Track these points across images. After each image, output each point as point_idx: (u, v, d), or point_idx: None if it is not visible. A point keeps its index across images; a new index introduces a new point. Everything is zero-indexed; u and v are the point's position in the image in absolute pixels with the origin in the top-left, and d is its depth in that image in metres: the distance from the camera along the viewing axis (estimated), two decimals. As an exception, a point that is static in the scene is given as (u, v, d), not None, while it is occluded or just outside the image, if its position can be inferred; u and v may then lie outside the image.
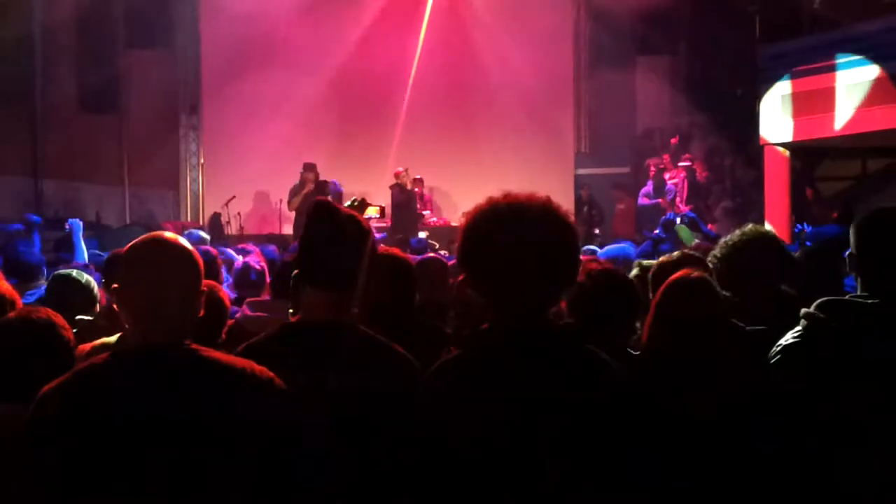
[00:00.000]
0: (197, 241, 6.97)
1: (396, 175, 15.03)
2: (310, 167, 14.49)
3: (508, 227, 2.15)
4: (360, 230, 2.58)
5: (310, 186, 14.16)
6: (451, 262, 5.46)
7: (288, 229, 14.63)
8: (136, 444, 2.07)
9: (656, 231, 6.33)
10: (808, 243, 6.15)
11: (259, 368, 2.23)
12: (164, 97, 16.80)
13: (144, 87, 16.11)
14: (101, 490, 2.06)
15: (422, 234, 12.62)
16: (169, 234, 2.29)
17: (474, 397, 2.12)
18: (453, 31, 16.85)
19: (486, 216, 2.20)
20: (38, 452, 2.11)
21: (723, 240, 3.64)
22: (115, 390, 2.12)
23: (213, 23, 16.60)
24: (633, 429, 2.15)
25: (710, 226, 12.55)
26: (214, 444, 2.11)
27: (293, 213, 14.20)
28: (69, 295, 4.26)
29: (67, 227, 6.19)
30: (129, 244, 2.26)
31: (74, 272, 4.47)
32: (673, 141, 15.39)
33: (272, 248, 7.23)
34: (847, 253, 2.44)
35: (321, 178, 14.51)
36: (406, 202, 14.84)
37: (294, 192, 14.34)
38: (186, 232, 7.75)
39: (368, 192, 14.29)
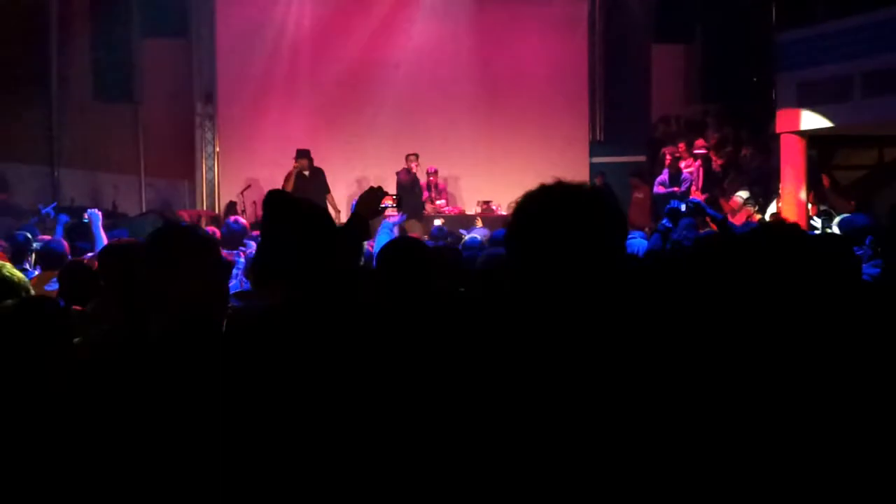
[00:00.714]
0: (241, 231, 7.04)
1: (407, 158, 15.17)
2: (303, 153, 14.60)
3: (560, 206, 2.14)
4: (315, 218, 2.59)
5: (295, 168, 14.41)
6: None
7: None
8: (160, 429, 2.09)
9: (663, 222, 6.27)
10: (832, 226, 6.12)
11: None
12: (179, 86, 16.84)
13: (160, 76, 16.15)
14: (121, 472, 2.08)
15: (437, 222, 12.63)
16: (189, 224, 2.33)
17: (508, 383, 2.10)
18: (469, 20, 16.83)
19: (537, 196, 2.18)
20: (63, 434, 2.14)
21: None
22: (143, 374, 2.15)
23: (228, 11, 16.64)
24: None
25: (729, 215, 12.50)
26: (249, 429, 2.14)
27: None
28: (79, 283, 4.28)
29: (86, 217, 6.18)
30: (153, 234, 2.28)
31: (85, 260, 4.49)
32: (681, 146, 15.34)
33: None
34: (869, 240, 2.43)
35: (315, 164, 14.66)
36: (410, 186, 14.92)
37: (286, 178, 14.56)
38: (232, 219, 7.80)
39: (383, 181, 14.35)
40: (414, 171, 15.31)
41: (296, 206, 2.62)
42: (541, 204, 2.15)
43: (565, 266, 2.10)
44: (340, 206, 14.87)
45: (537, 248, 2.12)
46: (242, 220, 7.99)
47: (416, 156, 15.31)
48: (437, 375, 2.25)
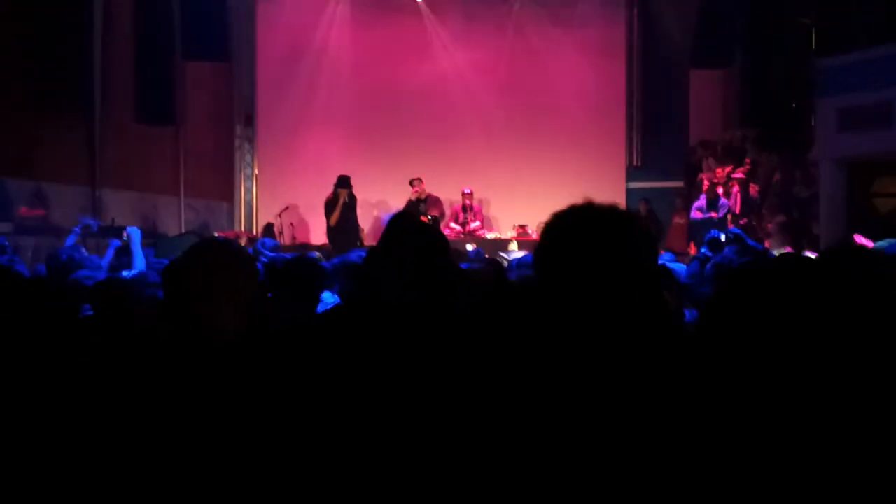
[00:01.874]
0: (273, 247, 7.09)
1: (411, 183, 15.13)
2: (346, 182, 14.61)
3: (592, 227, 2.14)
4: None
5: (342, 195, 14.43)
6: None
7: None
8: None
9: (702, 250, 6.26)
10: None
11: None
12: (219, 108, 17.05)
13: (201, 98, 16.36)
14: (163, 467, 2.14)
15: (469, 247, 12.56)
16: (225, 239, 2.39)
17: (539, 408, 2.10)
18: (506, 45, 16.91)
19: (567, 217, 2.18)
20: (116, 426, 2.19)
21: None
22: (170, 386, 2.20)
23: (268, 35, 16.86)
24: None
25: (766, 242, 12.42)
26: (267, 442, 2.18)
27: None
28: (112, 302, 4.30)
29: (126, 235, 6.26)
30: (190, 249, 2.34)
31: (120, 277, 4.53)
32: (719, 172, 15.30)
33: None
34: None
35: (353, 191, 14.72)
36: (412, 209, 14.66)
37: (332, 206, 14.52)
38: (259, 241, 7.86)
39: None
40: (414, 196, 15.02)
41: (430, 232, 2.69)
42: (571, 223, 2.15)
43: (595, 286, 2.08)
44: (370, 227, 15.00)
45: (567, 268, 2.11)
46: (274, 241, 7.99)
47: (419, 179, 15.11)
48: (465, 394, 2.26)
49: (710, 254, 6.23)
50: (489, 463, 2.08)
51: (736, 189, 14.91)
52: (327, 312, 2.75)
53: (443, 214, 15.52)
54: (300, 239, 15.90)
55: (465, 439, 2.14)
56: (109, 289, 4.47)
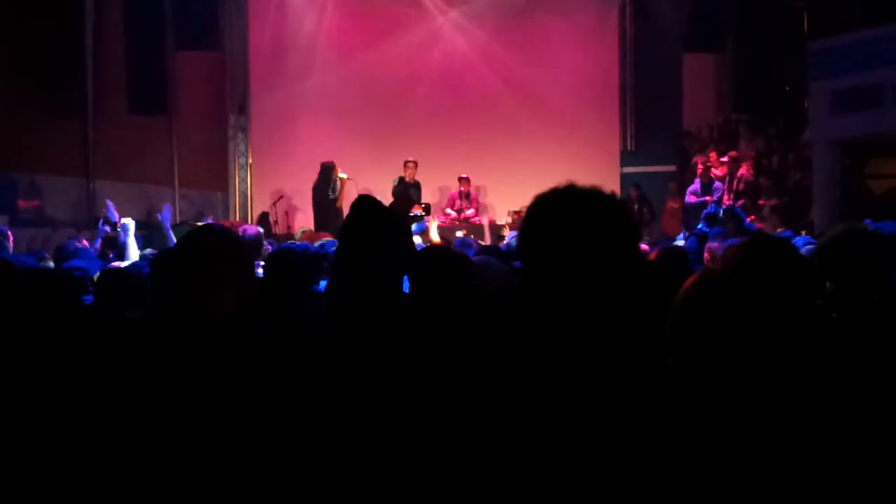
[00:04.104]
0: (254, 236, 7.09)
1: (405, 165, 15.11)
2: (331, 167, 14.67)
3: (573, 208, 2.10)
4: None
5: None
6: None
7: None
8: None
9: (699, 226, 6.31)
10: None
11: None
12: (213, 99, 17.03)
13: (194, 88, 16.33)
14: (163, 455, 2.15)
15: (459, 234, 12.51)
16: (219, 227, 2.38)
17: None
18: (498, 30, 16.89)
19: (550, 199, 2.17)
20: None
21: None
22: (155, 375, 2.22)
23: (261, 25, 16.81)
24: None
25: (757, 224, 12.44)
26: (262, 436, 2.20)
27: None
28: (115, 291, 4.33)
29: (120, 227, 6.30)
30: (186, 236, 2.35)
31: (121, 268, 4.55)
32: (712, 155, 15.31)
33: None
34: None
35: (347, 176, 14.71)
36: (402, 195, 14.61)
37: (332, 191, 14.52)
38: (242, 228, 7.86)
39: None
40: (408, 178, 14.99)
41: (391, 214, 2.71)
42: (553, 206, 2.14)
43: (577, 268, 2.07)
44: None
45: (548, 250, 2.10)
46: (258, 229, 7.99)
47: (413, 163, 15.10)
48: (459, 380, 2.25)
49: (706, 229, 6.27)
50: (488, 453, 2.05)
51: (728, 172, 14.92)
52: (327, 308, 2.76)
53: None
54: (295, 228, 15.85)
55: (463, 432, 2.14)
56: (108, 279, 4.49)
